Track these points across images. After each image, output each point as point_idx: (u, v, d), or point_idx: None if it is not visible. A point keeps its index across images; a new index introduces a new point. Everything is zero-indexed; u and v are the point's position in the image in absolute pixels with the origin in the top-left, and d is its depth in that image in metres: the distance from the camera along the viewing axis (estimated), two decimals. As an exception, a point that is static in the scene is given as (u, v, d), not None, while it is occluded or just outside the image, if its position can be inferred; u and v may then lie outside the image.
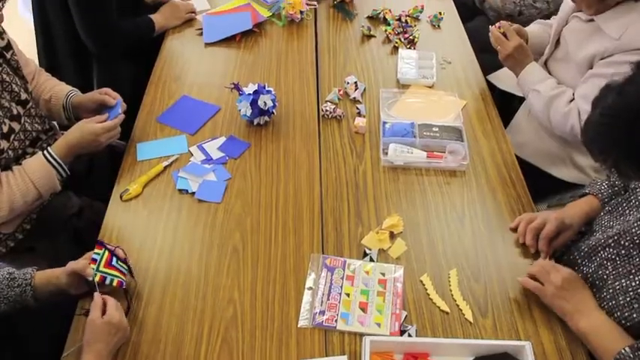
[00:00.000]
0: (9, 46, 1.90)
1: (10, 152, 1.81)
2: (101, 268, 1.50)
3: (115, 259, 1.55)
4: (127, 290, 1.56)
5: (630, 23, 1.86)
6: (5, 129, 1.79)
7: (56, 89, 2.08)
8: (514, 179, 1.93)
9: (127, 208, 1.82)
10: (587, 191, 1.77)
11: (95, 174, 2.20)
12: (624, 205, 1.62)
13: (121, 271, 1.55)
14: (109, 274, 1.51)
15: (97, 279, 1.48)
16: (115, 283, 1.51)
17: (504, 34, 2.18)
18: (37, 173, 1.80)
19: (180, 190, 1.86)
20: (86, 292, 1.55)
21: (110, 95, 2.02)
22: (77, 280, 1.53)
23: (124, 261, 1.58)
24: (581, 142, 1.38)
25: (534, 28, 2.39)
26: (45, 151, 1.84)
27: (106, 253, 1.53)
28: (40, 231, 1.94)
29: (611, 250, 1.54)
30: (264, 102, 1.97)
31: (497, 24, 2.21)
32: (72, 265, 1.52)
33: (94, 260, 1.50)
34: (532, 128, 2.28)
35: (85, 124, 1.90)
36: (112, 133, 1.91)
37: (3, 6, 1.71)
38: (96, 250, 1.52)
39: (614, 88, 1.29)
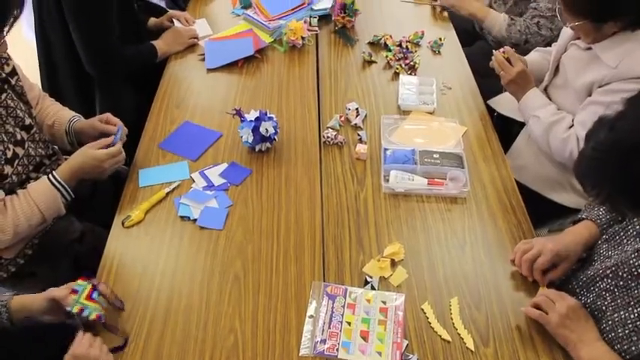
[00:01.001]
0: (14, 72, 1.91)
1: (14, 177, 1.82)
2: (81, 300, 1.50)
3: (96, 292, 1.54)
4: (106, 324, 1.55)
5: (627, 52, 1.88)
6: (9, 154, 1.80)
7: (59, 114, 2.10)
8: (514, 206, 1.94)
9: (129, 235, 1.83)
10: (584, 216, 1.77)
11: (98, 198, 2.20)
12: (622, 234, 1.61)
13: (101, 305, 1.54)
14: (88, 307, 1.50)
15: (75, 310, 1.48)
16: (93, 316, 1.50)
17: (508, 60, 2.20)
18: (41, 197, 1.80)
19: (181, 217, 1.87)
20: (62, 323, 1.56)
21: (110, 123, 2.03)
22: (55, 308, 1.53)
23: (105, 296, 1.57)
24: (574, 175, 1.38)
25: (533, 56, 2.41)
26: (50, 175, 1.85)
27: (89, 286, 1.54)
28: (42, 256, 1.95)
29: (609, 281, 1.54)
30: (266, 129, 1.98)
31: (501, 49, 2.23)
32: (53, 292, 1.53)
33: (74, 291, 1.50)
34: (532, 153, 2.29)
35: (88, 149, 1.90)
36: (117, 159, 1.92)
37: (7, 34, 1.72)
38: (79, 282, 1.53)
39: (606, 123, 1.29)
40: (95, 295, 1.54)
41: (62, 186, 1.84)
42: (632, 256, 1.50)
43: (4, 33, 1.70)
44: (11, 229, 1.75)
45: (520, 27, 2.72)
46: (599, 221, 1.71)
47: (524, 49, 2.60)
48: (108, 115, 2.06)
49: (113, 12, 2.40)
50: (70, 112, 2.13)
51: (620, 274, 1.51)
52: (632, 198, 1.24)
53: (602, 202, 1.34)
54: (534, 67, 2.33)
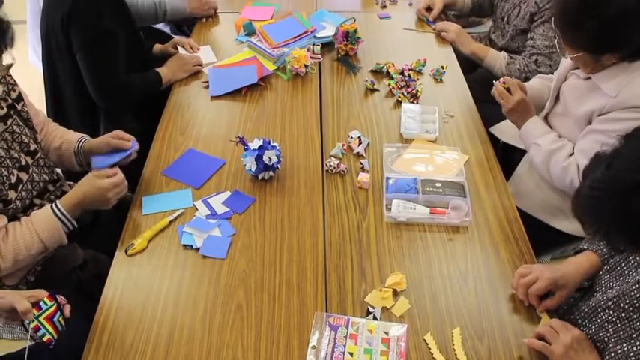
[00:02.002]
0: (20, 98, 1.94)
1: (17, 203, 1.83)
2: (41, 318, 1.49)
3: (58, 314, 1.53)
4: (53, 347, 1.53)
5: (626, 82, 1.90)
6: (13, 179, 1.81)
7: (67, 137, 2.13)
8: (517, 235, 1.94)
9: (132, 263, 1.83)
10: (585, 247, 1.78)
11: (101, 225, 2.21)
12: (623, 265, 1.62)
13: (56, 329, 1.53)
14: (44, 328, 1.50)
15: (32, 325, 1.47)
16: (45, 339, 1.50)
17: (508, 89, 2.22)
18: (44, 226, 1.81)
19: (184, 246, 1.87)
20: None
21: (124, 139, 2.06)
22: (12, 313, 1.51)
23: (66, 320, 1.56)
24: (573, 214, 1.38)
25: (534, 83, 2.44)
26: (53, 205, 1.85)
27: (54, 306, 1.53)
28: (44, 283, 1.93)
29: (611, 312, 1.54)
30: (269, 157, 1.99)
31: (501, 79, 2.26)
32: (16, 300, 1.49)
33: (38, 307, 1.49)
34: (533, 181, 2.30)
35: (93, 178, 1.91)
36: (120, 189, 1.93)
37: (6, 49, 1.72)
38: (45, 300, 1.51)
39: (603, 161, 1.29)
40: (57, 317, 1.52)
41: (65, 216, 1.85)
42: (634, 287, 1.50)
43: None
44: (11, 257, 1.75)
45: (519, 65, 2.76)
46: (600, 252, 1.72)
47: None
48: (120, 134, 2.09)
49: (121, 47, 2.43)
50: (77, 134, 2.16)
51: (622, 305, 1.51)
52: (630, 235, 1.24)
53: (601, 238, 1.35)
54: (535, 94, 2.35)
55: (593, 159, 1.35)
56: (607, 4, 1.79)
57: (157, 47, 2.90)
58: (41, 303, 1.50)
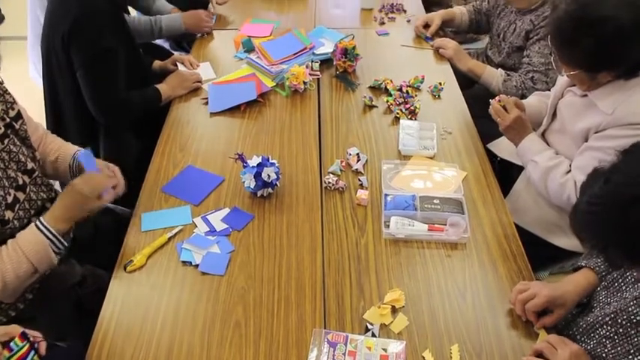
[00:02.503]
0: (19, 116, 1.94)
1: (15, 222, 1.82)
2: None
3: (32, 354, 1.46)
4: None
5: (622, 99, 1.92)
6: (10, 199, 1.80)
7: (62, 150, 2.11)
8: (515, 252, 1.94)
9: (131, 280, 1.84)
10: (583, 264, 1.78)
11: (99, 241, 2.21)
12: (620, 281, 1.62)
13: None
14: None
15: None
16: None
17: (504, 107, 2.24)
18: (30, 245, 1.74)
19: (183, 262, 1.88)
20: None
21: (114, 175, 1.99)
22: None
23: (42, 358, 1.50)
24: (571, 229, 1.39)
25: (532, 100, 2.46)
26: (37, 221, 1.79)
27: (26, 347, 1.46)
28: (42, 300, 1.94)
29: (609, 328, 1.54)
30: (268, 174, 2.00)
31: (497, 97, 2.28)
32: None
33: (9, 349, 1.44)
34: (531, 197, 2.31)
35: (70, 186, 1.84)
36: (97, 186, 1.84)
37: None
38: (16, 341, 1.45)
39: (601, 176, 1.30)
40: (30, 356, 1.46)
41: (51, 233, 1.78)
42: (631, 303, 1.51)
43: None
44: None
45: (516, 82, 2.77)
46: (597, 269, 1.73)
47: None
48: (114, 168, 2.04)
49: (121, 64, 2.46)
50: (73, 147, 2.15)
51: (620, 321, 1.51)
52: (628, 251, 1.25)
53: (599, 254, 1.35)
54: (533, 111, 2.37)
55: (590, 174, 1.35)
56: (603, 22, 1.81)
57: (157, 64, 2.92)
58: (12, 344, 1.44)
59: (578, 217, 1.33)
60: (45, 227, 1.78)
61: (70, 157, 2.08)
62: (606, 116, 1.94)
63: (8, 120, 1.89)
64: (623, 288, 1.59)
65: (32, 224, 1.80)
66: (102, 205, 1.87)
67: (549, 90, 2.58)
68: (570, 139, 2.12)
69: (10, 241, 1.75)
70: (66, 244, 1.86)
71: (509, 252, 1.94)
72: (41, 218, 1.80)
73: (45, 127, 2.19)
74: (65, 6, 2.40)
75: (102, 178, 1.89)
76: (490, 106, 2.28)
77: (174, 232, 1.96)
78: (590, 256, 1.79)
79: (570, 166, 2.09)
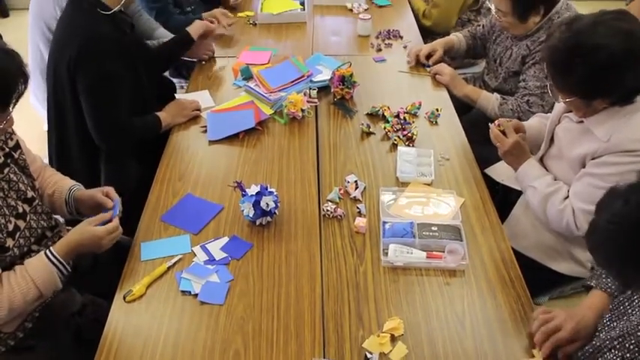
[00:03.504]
0: (17, 146, 1.96)
1: (15, 250, 1.84)
2: None
3: None
4: None
5: (618, 126, 1.94)
6: (10, 227, 1.82)
7: (59, 184, 2.13)
8: (513, 278, 1.95)
9: (130, 310, 1.83)
10: (593, 284, 1.79)
11: (100, 269, 2.22)
12: (626, 304, 1.62)
13: None
14: None
15: None
16: None
17: (504, 132, 2.26)
18: (38, 272, 1.81)
19: (183, 292, 1.88)
20: None
21: (110, 196, 2.05)
22: None
23: None
24: (587, 248, 1.40)
25: (533, 122, 2.48)
26: (47, 251, 1.85)
27: None
28: (42, 330, 1.95)
29: (616, 352, 1.53)
30: (267, 203, 2.01)
31: (497, 121, 2.30)
32: None
33: None
34: (530, 222, 2.32)
35: (86, 225, 1.92)
36: (114, 235, 1.94)
37: (12, 109, 1.77)
38: None
39: (620, 196, 1.31)
40: None
41: (60, 262, 1.85)
42: (639, 327, 1.50)
43: (10, 109, 1.76)
44: (6, 305, 1.74)
45: (512, 106, 2.79)
46: (609, 290, 1.74)
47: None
48: (109, 189, 2.08)
49: (125, 90, 2.49)
50: (70, 182, 2.16)
51: (627, 345, 1.50)
52: None
53: (614, 275, 1.35)
54: (533, 132, 2.40)
55: (608, 194, 1.37)
56: (596, 50, 1.83)
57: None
58: None
59: (597, 236, 1.34)
60: (54, 256, 1.85)
61: (67, 192, 2.10)
62: (602, 143, 1.96)
63: (7, 149, 1.91)
64: (629, 311, 1.59)
65: (42, 254, 1.85)
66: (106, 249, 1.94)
67: (545, 111, 2.61)
68: (567, 164, 2.13)
69: (18, 268, 1.81)
70: (70, 270, 1.90)
71: (508, 278, 1.95)
72: (51, 248, 1.86)
73: (43, 160, 2.20)
74: (71, 32, 2.45)
75: (115, 226, 1.95)
76: (490, 130, 2.30)
77: (173, 261, 1.97)
78: (599, 276, 1.79)
79: (569, 192, 2.10)
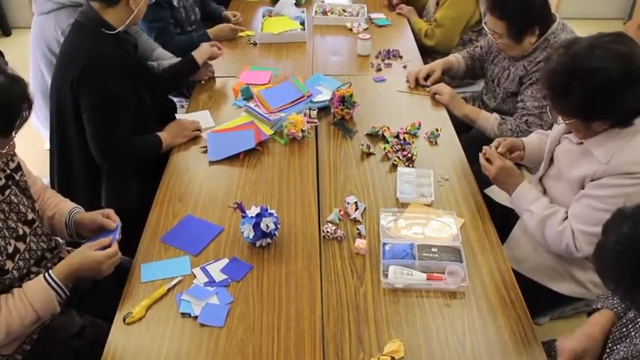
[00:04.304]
0: (18, 168, 1.96)
1: (14, 272, 1.83)
2: None
3: None
4: None
5: (617, 148, 1.95)
6: (10, 249, 1.82)
7: (60, 206, 2.13)
8: (514, 300, 1.94)
9: (130, 332, 1.83)
10: (599, 306, 1.79)
11: (99, 290, 2.21)
12: (630, 326, 1.62)
13: None
14: None
15: None
16: None
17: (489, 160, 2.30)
18: (37, 296, 1.80)
19: (182, 314, 1.87)
20: None
21: (111, 218, 2.06)
22: None
23: None
24: (595, 270, 1.40)
25: (532, 138, 2.50)
26: (46, 274, 1.85)
27: None
28: (40, 352, 1.94)
29: None
30: (267, 225, 2.02)
31: (484, 149, 2.34)
32: None
33: None
34: (529, 243, 2.31)
35: (86, 250, 1.92)
36: (113, 260, 1.94)
37: (15, 135, 1.78)
38: None
39: (628, 217, 1.32)
40: None
41: (58, 286, 1.84)
42: None
43: (14, 134, 1.77)
44: (4, 329, 1.73)
45: (511, 126, 2.81)
46: (616, 310, 1.74)
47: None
48: (110, 212, 2.09)
49: (127, 110, 2.50)
50: (71, 204, 2.16)
51: None
52: None
53: (622, 295, 1.36)
54: (534, 147, 2.42)
55: (615, 215, 1.38)
56: (593, 73, 1.84)
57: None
58: None
59: (605, 257, 1.35)
60: (54, 281, 1.84)
61: (67, 215, 2.10)
62: (602, 165, 1.96)
63: (9, 171, 1.92)
64: (633, 334, 1.59)
65: (41, 277, 1.85)
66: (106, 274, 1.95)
67: (544, 130, 2.61)
68: (567, 185, 2.14)
69: (16, 291, 1.80)
70: (68, 293, 1.89)
71: (508, 299, 1.94)
72: (50, 272, 1.86)
73: (43, 181, 2.21)
74: (76, 52, 2.47)
75: (115, 251, 1.96)
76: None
77: (173, 283, 1.97)
78: (605, 298, 1.79)
79: (566, 213, 2.10)
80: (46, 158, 2.73)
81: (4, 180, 1.89)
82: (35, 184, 2.10)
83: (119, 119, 2.51)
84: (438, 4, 3.92)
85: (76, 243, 2.20)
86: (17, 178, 1.95)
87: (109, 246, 1.94)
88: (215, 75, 3.28)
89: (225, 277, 1.99)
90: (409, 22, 4.07)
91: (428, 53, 3.82)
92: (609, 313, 1.75)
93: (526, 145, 2.42)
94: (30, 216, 1.95)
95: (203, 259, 2.07)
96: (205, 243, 2.13)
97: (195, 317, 1.86)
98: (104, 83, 2.43)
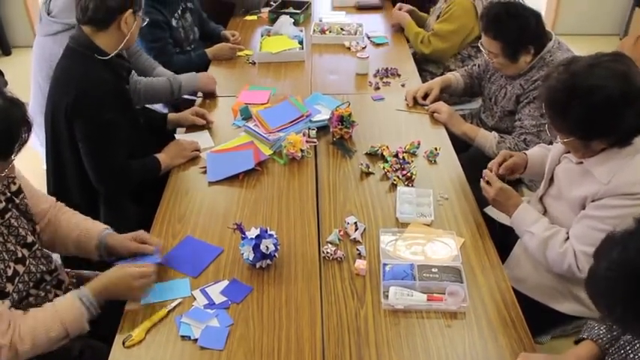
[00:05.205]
0: (19, 191, 1.97)
1: (14, 295, 1.83)
2: None
3: None
4: None
5: (617, 168, 1.95)
6: (10, 272, 1.82)
7: (83, 226, 2.16)
8: (514, 319, 1.94)
9: (130, 355, 1.82)
10: (584, 336, 1.78)
11: (99, 313, 2.21)
12: (627, 348, 1.61)
13: None
14: None
15: None
16: None
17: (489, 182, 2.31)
18: (67, 313, 1.83)
19: (182, 337, 1.86)
20: None
21: (147, 242, 2.10)
22: None
23: None
24: (587, 295, 1.40)
25: (535, 151, 2.50)
26: (80, 293, 1.87)
27: None
28: (40, 375, 1.94)
29: None
30: (267, 246, 2.01)
31: (484, 172, 2.35)
32: None
33: None
34: (530, 263, 2.31)
35: (120, 267, 1.96)
36: (146, 280, 1.96)
37: (14, 157, 1.78)
38: None
39: (618, 242, 1.32)
40: None
41: (92, 305, 1.87)
42: None
43: (13, 157, 1.77)
44: (29, 340, 1.74)
45: (510, 144, 2.81)
46: (600, 341, 1.72)
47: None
48: (144, 236, 2.12)
49: (123, 135, 2.50)
50: (98, 224, 2.19)
51: None
52: None
53: (614, 320, 1.35)
54: (536, 161, 2.43)
55: (605, 241, 1.37)
56: (591, 92, 1.85)
57: (172, 116, 3.07)
58: None
59: (596, 284, 1.34)
60: (88, 300, 1.87)
61: (96, 238, 2.12)
62: (602, 185, 1.96)
63: (9, 194, 1.92)
64: (631, 356, 1.58)
65: (73, 294, 1.87)
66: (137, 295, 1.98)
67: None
68: (567, 205, 2.14)
69: (48, 307, 1.83)
70: (99, 310, 1.91)
71: (509, 319, 1.94)
72: (83, 289, 1.89)
73: (54, 200, 2.21)
74: (68, 78, 2.47)
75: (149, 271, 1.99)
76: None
77: (173, 305, 1.96)
78: (592, 327, 1.78)
79: (567, 233, 2.10)
80: (44, 178, 2.73)
81: (4, 203, 1.89)
82: (40, 203, 2.10)
83: (114, 145, 2.51)
84: (438, 17, 3.93)
85: (74, 264, 2.21)
86: (17, 201, 1.95)
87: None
88: (215, 95, 3.30)
89: (225, 299, 1.99)
90: (404, 30, 4.10)
91: (425, 68, 3.84)
92: (591, 345, 1.74)
93: (529, 157, 2.43)
94: (29, 239, 1.95)
95: (203, 280, 2.07)
96: (205, 264, 2.12)
97: (195, 340, 1.85)
98: (97, 112, 2.42)
